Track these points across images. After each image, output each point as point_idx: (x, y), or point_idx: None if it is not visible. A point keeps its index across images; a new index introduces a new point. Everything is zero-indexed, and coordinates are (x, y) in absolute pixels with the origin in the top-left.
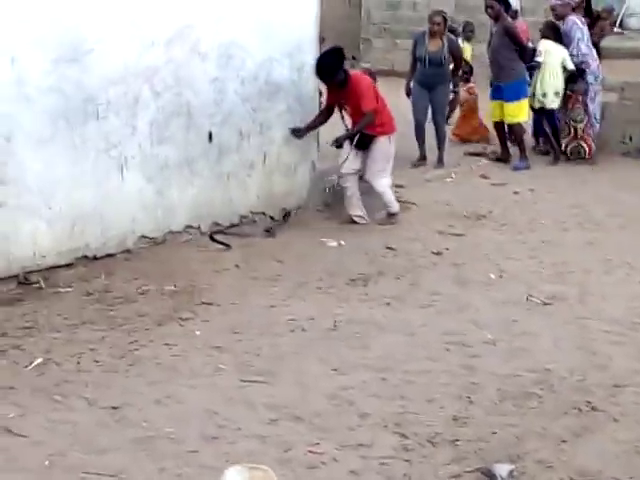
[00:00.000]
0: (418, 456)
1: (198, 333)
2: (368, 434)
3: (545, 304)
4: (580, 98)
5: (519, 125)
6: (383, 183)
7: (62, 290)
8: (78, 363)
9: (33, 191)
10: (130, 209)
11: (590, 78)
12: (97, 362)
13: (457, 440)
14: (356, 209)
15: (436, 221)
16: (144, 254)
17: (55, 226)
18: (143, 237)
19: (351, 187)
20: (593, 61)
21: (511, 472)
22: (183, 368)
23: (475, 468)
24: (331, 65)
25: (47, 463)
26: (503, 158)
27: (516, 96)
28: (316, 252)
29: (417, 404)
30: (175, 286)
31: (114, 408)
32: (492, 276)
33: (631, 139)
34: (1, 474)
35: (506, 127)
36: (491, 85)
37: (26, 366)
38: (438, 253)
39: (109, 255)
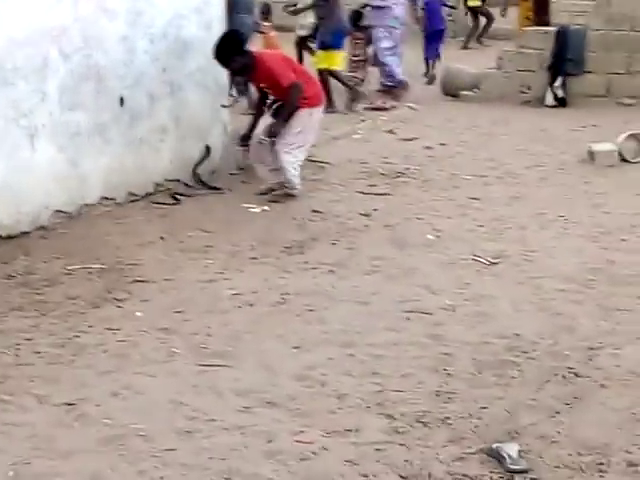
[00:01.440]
0: (413, 439)
1: (139, 314)
2: (352, 417)
3: (492, 264)
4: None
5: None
6: (288, 159)
7: None
8: (17, 355)
9: None
10: (43, 182)
11: (393, 21)
12: (37, 353)
13: (448, 418)
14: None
15: (355, 181)
16: (60, 230)
17: None
18: (58, 212)
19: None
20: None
21: (520, 451)
22: (133, 354)
23: (478, 449)
24: (226, 53)
25: (11, 474)
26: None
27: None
28: (241, 219)
29: (393, 380)
30: (102, 264)
31: (69, 404)
32: (429, 237)
33: (529, 88)
34: None
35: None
36: None
37: None
38: (367, 215)
39: (24, 233)
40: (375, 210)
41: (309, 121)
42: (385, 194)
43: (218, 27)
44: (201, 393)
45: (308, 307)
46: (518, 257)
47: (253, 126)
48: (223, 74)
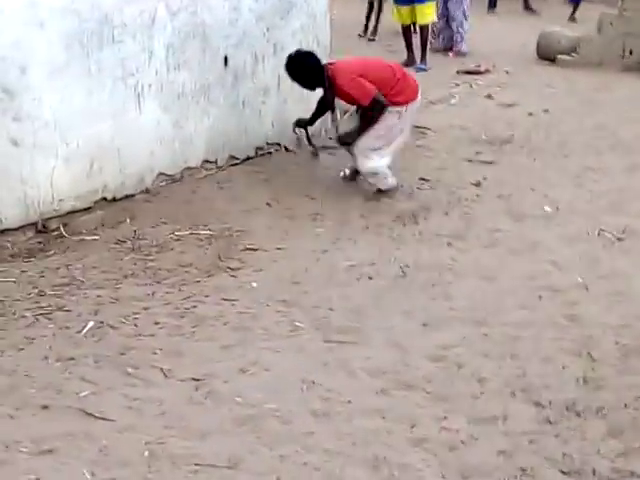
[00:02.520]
0: (567, 430)
1: (255, 285)
2: (496, 404)
3: (619, 239)
4: None
5: (427, 26)
6: (370, 165)
7: (87, 238)
8: (136, 326)
9: (49, 126)
10: (148, 143)
11: None
12: (157, 324)
13: (602, 408)
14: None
15: (459, 147)
16: (164, 194)
17: (73, 165)
18: (161, 174)
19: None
20: None
21: None
22: (255, 328)
23: None
24: (302, 76)
25: (147, 454)
26: (409, 63)
27: None
28: (346, 185)
29: (534, 364)
30: (210, 230)
31: (196, 380)
32: (548, 209)
33: (631, 52)
34: (100, 469)
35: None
36: None
37: (79, 331)
38: (477, 184)
39: (127, 196)
40: (485, 179)
41: (397, 123)
42: (492, 162)
43: None
44: (332, 372)
45: (431, 281)
46: None
47: (315, 115)
48: (326, 34)
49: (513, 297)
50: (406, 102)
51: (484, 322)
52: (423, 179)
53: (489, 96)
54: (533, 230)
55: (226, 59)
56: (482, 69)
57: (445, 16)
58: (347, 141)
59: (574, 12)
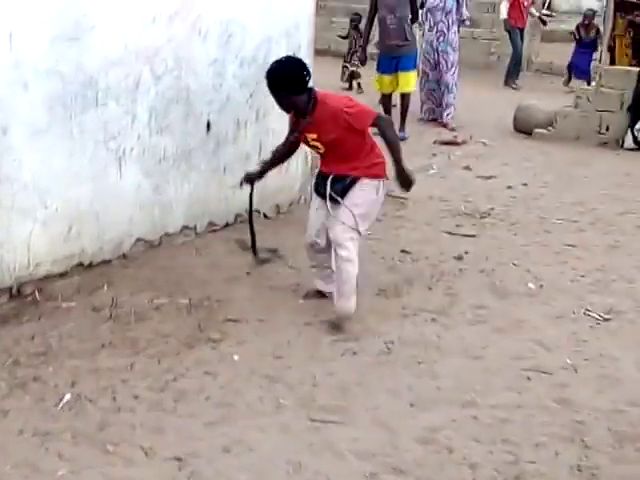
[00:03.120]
0: None
1: (236, 358)
2: None
3: (605, 320)
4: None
5: (409, 95)
6: (345, 253)
7: (64, 305)
8: (114, 399)
9: (28, 189)
10: (127, 208)
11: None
12: (136, 397)
13: None
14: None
15: (439, 220)
16: (142, 259)
17: (50, 229)
18: (139, 240)
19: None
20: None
21: None
22: (238, 404)
23: None
24: (285, 81)
25: None
26: None
27: (413, 65)
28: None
29: (526, 450)
30: (189, 299)
31: (178, 459)
32: (531, 286)
33: (607, 129)
34: None
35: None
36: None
37: (56, 404)
38: (459, 258)
39: (105, 261)
40: (467, 253)
41: (375, 200)
42: (473, 235)
43: (306, 51)
44: (319, 453)
45: (416, 359)
46: (633, 313)
47: (270, 163)
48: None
49: (500, 378)
50: (382, 175)
51: (472, 403)
52: (405, 251)
53: (467, 167)
54: (517, 308)
55: (209, 124)
56: (459, 140)
57: (428, 88)
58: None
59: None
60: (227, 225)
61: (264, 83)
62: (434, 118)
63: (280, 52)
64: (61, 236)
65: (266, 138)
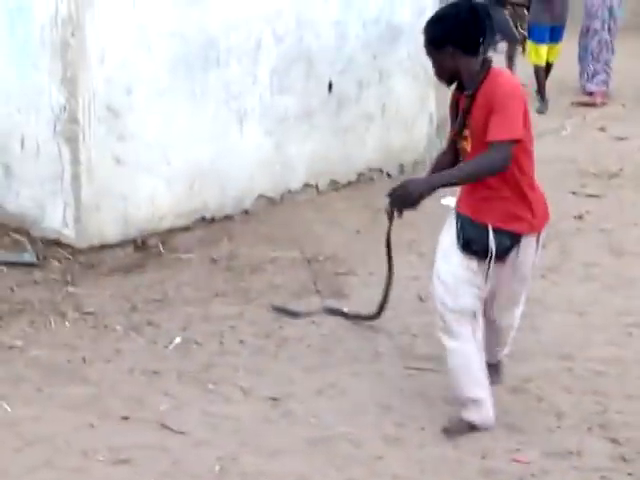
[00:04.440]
0: None
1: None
2: (572, 438)
3: None
4: None
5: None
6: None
7: (184, 256)
8: (221, 343)
9: (152, 147)
10: (249, 166)
11: None
12: (241, 342)
13: None
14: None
15: (565, 180)
16: (263, 215)
17: (174, 185)
18: (261, 196)
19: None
20: None
21: None
22: (337, 351)
23: None
24: (458, 35)
25: (218, 468)
26: (544, 109)
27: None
28: (439, 214)
29: (616, 401)
30: (305, 253)
31: (274, 399)
32: None
33: None
34: None
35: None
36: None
37: (166, 346)
38: (579, 217)
39: (227, 217)
40: (587, 213)
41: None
42: (598, 196)
43: (429, 15)
44: (409, 398)
45: (522, 313)
46: None
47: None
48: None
49: (602, 333)
50: (543, 222)
51: (569, 356)
52: None
53: (602, 129)
54: (631, 267)
55: (330, 84)
56: (598, 101)
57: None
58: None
59: None
60: (349, 183)
61: (387, 43)
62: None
63: (404, 13)
64: (184, 192)
65: (389, 100)
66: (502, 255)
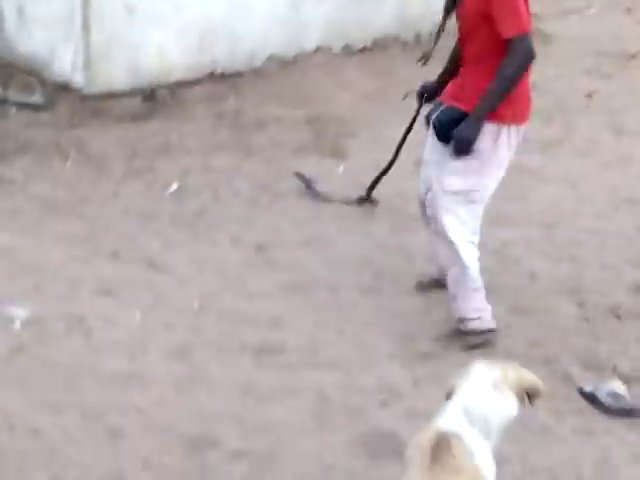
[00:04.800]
0: (603, 330)
1: (341, 169)
2: (541, 299)
3: None
4: None
5: None
6: (451, 225)
7: (191, 108)
8: (216, 192)
9: None
10: (262, 24)
11: None
12: (236, 193)
13: None
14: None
15: (583, 58)
16: (273, 75)
17: (184, 38)
18: (273, 56)
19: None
20: None
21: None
22: (328, 208)
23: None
24: None
25: (196, 305)
26: None
27: None
28: None
29: (591, 269)
30: (311, 113)
31: (260, 247)
32: None
33: None
34: (150, 313)
35: None
36: None
37: (163, 191)
38: (589, 95)
39: (237, 73)
40: (597, 91)
41: (499, 158)
42: (611, 75)
43: None
44: (391, 254)
45: (513, 183)
46: None
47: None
48: None
49: (591, 205)
50: (517, 120)
51: (552, 225)
52: (534, 84)
53: (628, 10)
54: (630, 146)
55: None
56: None
57: None
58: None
59: None
60: (364, 49)
61: None
62: None
63: None
64: (194, 45)
65: None
66: None
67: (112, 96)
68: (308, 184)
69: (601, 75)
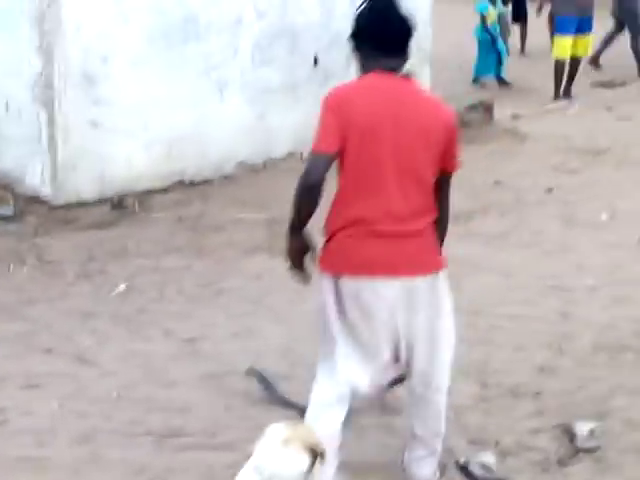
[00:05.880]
0: (497, 408)
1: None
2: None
3: None
4: None
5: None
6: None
7: (155, 215)
8: (161, 291)
9: (129, 112)
10: (230, 133)
11: None
12: (180, 292)
13: (540, 393)
14: None
15: (551, 155)
16: (243, 181)
17: (152, 149)
18: (242, 163)
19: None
20: None
21: (592, 431)
22: (267, 302)
23: (556, 424)
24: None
25: (115, 394)
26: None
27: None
28: None
29: (503, 351)
30: (271, 215)
31: (190, 340)
32: (603, 217)
33: None
34: (70, 402)
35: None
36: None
37: (109, 293)
38: (549, 190)
39: (206, 181)
40: (559, 186)
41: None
42: (575, 171)
43: None
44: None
45: (449, 275)
46: None
47: None
48: (426, 41)
49: (520, 293)
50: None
51: (477, 312)
52: (498, 182)
53: (609, 108)
54: (577, 236)
55: (316, 59)
56: (617, 81)
57: None
58: None
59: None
60: None
61: None
62: None
63: None
64: (162, 155)
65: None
66: None
67: (80, 205)
68: (266, 385)
69: (567, 171)
